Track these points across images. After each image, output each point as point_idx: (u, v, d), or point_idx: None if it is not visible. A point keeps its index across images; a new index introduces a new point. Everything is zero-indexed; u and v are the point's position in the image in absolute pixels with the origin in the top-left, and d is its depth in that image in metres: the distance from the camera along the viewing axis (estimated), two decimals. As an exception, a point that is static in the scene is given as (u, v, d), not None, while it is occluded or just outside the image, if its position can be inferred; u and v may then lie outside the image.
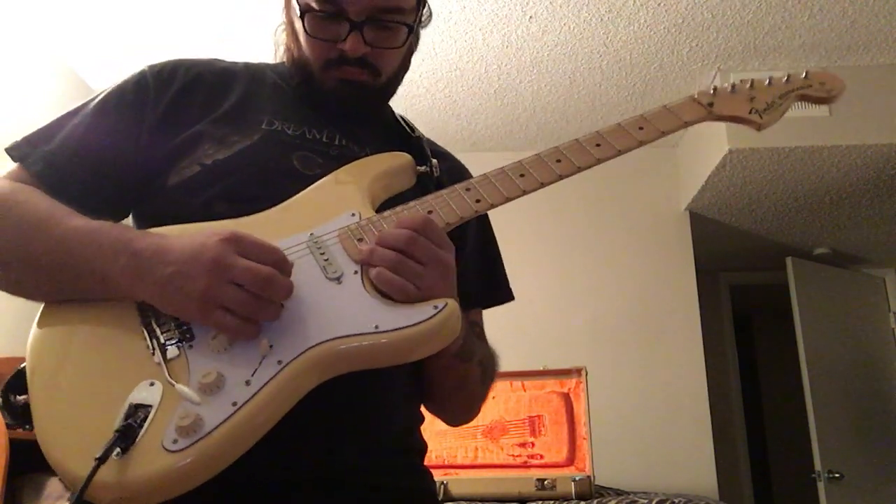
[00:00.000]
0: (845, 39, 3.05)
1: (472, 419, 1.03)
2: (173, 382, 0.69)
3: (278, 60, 1.06)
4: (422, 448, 0.95)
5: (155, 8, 2.79)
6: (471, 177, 1.07)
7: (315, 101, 0.98)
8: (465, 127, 3.64)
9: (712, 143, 3.38)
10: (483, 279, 1.06)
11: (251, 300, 0.70)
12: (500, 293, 1.09)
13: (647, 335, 3.63)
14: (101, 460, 0.63)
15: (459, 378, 0.93)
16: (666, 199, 3.84)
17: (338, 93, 0.95)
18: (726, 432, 4.52)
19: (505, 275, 1.11)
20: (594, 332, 3.54)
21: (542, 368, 2.87)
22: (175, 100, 0.93)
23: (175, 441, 0.65)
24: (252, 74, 1.01)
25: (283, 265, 0.73)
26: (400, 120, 1.07)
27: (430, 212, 0.84)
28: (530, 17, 2.90)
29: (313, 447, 0.79)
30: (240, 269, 0.70)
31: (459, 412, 1.01)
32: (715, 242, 4.20)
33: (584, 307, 3.65)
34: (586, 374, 2.77)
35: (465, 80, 3.30)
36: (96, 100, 0.93)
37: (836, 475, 3.75)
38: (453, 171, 1.05)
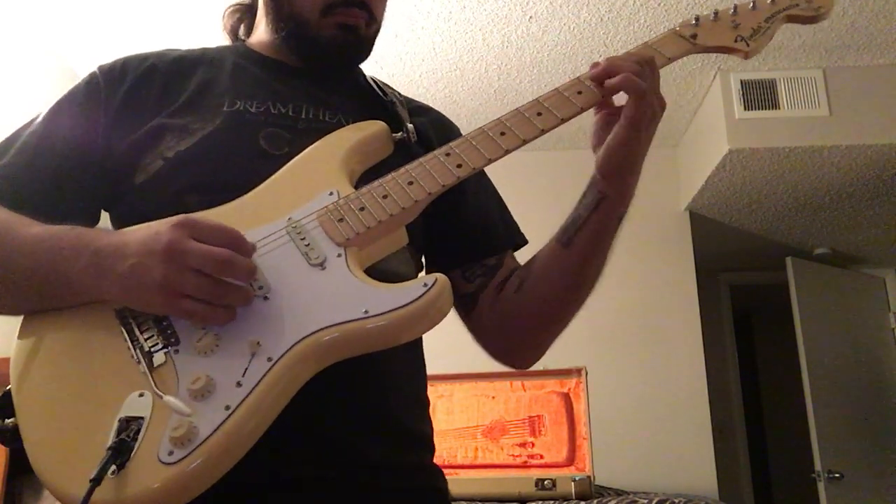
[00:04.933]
0: (845, 39, 3.05)
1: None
2: (161, 394, 0.67)
3: (233, 42, 1.05)
4: (429, 437, 0.94)
5: (156, 7, 2.79)
6: (455, 128, 1.07)
7: (305, 53, 0.97)
8: (465, 127, 3.59)
9: (712, 143, 3.38)
10: (505, 223, 1.04)
11: (212, 284, 0.69)
12: (521, 235, 1.06)
13: (647, 335, 3.63)
14: (97, 481, 0.61)
15: (603, 258, 0.92)
16: (666, 199, 3.83)
17: (335, 40, 0.94)
18: (726, 432, 4.52)
19: (516, 222, 1.08)
20: (594, 332, 3.53)
21: (542, 368, 2.86)
22: (129, 94, 0.91)
23: (171, 453, 0.63)
24: (210, 59, 0.98)
25: (239, 245, 0.71)
26: (372, 83, 1.04)
27: (410, 183, 0.81)
28: (530, 17, 2.90)
29: (315, 442, 0.78)
30: (194, 253, 0.68)
31: (586, 290, 0.97)
32: (715, 242, 4.20)
33: (584, 307, 3.62)
34: (586, 374, 2.77)
35: (465, 80, 3.30)
36: (49, 108, 0.92)
37: (836, 475, 3.75)
38: (437, 125, 1.04)
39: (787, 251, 4.28)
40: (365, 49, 0.99)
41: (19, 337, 0.75)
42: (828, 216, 3.97)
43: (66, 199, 0.87)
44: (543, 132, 0.84)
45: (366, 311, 0.71)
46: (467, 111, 3.52)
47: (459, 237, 0.97)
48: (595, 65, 0.85)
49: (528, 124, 0.84)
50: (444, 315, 0.74)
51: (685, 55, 0.90)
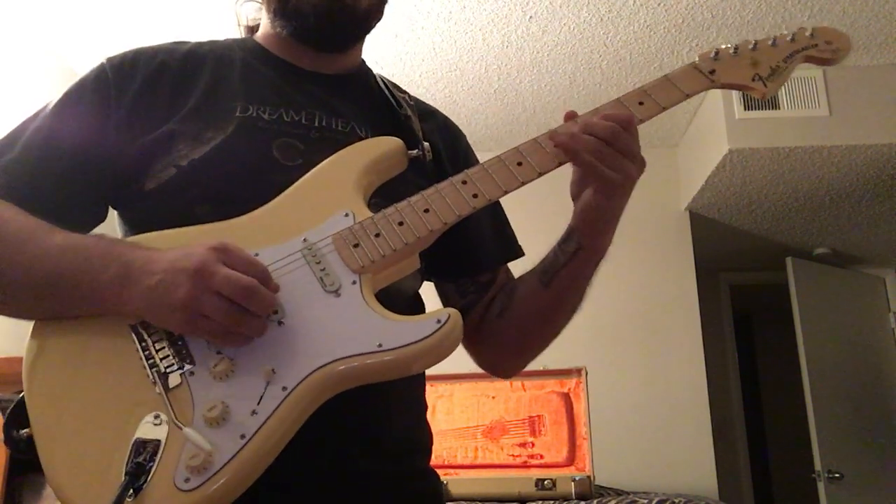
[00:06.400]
0: (845, 39, 3.05)
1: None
2: (181, 426, 0.67)
3: (243, 35, 1.04)
4: (426, 444, 0.94)
5: (156, 8, 2.79)
6: (461, 134, 1.09)
7: (294, 31, 0.95)
8: (465, 127, 3.59)
9: (712, 143, 3.38)
10: (498, 239, 1.05)
11: (232, 310, 0.69)
12: (516, 248, 1.07)
13: (647, 335, 3.63)
14: None
15: (579, 297, 0.96)
16: (666, 199, 3.83)
17: (318, 7, 0.91)
18: (726, 432, 4.51)
19: (513, 232, 1.09)
20: (594, 332, 3.53)
21: (541, 368, 2.86)
22: (140, 93, 0.89)
23: (187, 480, 0.64)
24: (219, 55, 0.96)
25: (266, 279, 0.72)
26: (384, 89, 1.02)
27: (426, 210, 0.81)
28: (530, 17, 2.90)
29: (314, 449, 0.78)
30: (221, 277, 0.69)
31: (555, 331, 1.01)
32: (715, 242, 4.20)
33: (584, 307, 3.63)
34: (586, 374, 2.77)
35: (465, 80, 3.30)
36: (56, 100, 0.90)
37: (836, 475, 3.75)
38: (444, 131, 1.05)
39: (787, 251, 4.28)
40: (354, 20, 0.95)
41: (30, 346, 0.75)
42: (828, 216, 3.97)
43: (72, 198, 0.86)
44: (560, 164, 0.84)
45: (380, 345, 0.72)
46: (467, 111, 3.52)
47: (454, 253, 0.97)
48: (565, 124, 0.85)
49: (544, 154, 0.84)
50: (454, 348, 0.75)
51: (703, 91, 0.89)
